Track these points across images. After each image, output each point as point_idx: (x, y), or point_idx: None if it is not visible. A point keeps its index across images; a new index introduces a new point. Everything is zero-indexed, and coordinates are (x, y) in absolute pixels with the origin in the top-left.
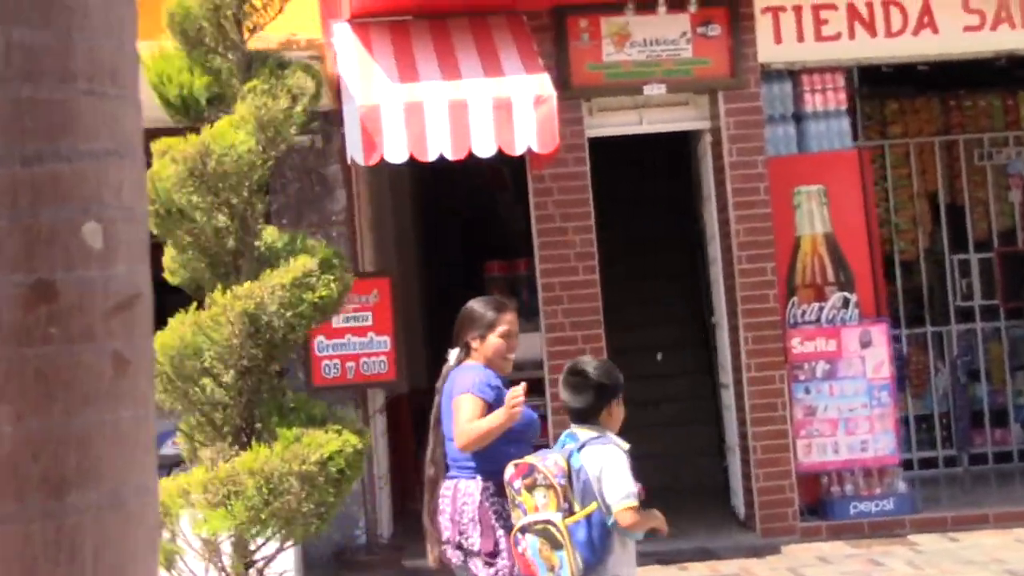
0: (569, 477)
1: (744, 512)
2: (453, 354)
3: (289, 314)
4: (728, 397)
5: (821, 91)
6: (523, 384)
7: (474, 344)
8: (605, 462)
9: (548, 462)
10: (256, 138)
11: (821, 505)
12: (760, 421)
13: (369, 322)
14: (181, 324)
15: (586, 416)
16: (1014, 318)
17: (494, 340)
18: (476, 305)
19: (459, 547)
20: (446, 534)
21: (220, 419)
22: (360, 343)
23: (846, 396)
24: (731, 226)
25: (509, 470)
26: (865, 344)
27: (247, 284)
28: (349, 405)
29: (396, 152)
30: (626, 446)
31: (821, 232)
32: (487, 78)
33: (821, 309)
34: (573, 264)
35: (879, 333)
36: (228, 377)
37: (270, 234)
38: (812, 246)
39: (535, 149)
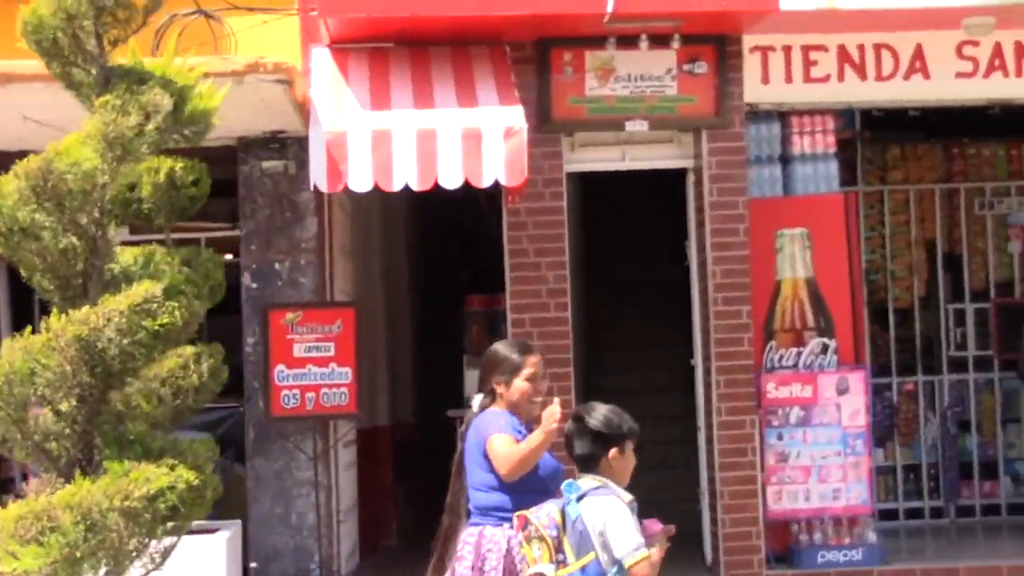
0: (564, 528)
1: (711, 558)
2: (476, 400)
3: (126, 341)
4: (701, 441)
5: (810, 133)
6: (557, 400)
7: (499, 389)
8: (608, 516)
9: (541, 514)
10: (103, 155)
11: (789, 553)
12: (729, 466)
13: (331, 352)
14: (11, 349)
15: (586, 464)
16: (1008, 370)
17: (520, 384)
18: (501, 348)
19: None
20: None
21: (55, 450)
22: (321, 373)
23: (820, 443)
24: (708, 267)
25: (513, 521)
26: (842, 391)
27: (84, 309)
28: (308, 436)
29: (360, 180)
30: (628, 497)
31: (803, 276)
32: (459, 108)
33: (799, 354)
34: (545, 300)
35: (856, 380)
36: (65, 406)
37: (128, 256)
38: (793, 290)
39: (503, 182)
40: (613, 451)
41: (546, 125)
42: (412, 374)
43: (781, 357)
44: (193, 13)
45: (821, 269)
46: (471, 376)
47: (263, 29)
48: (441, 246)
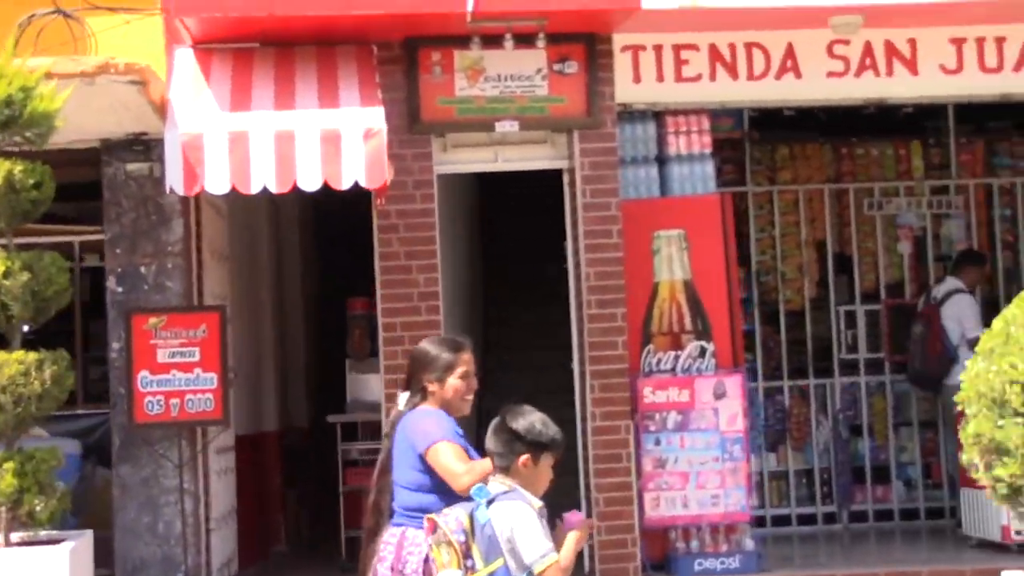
0: (472, 532)
1: (587, 566)
2: (403, 398)
3: None
4: (578, 447)
5: (685, 133)
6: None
7: (431, 388)
8: (515, 521)
9: (449, 518)
10: None
11: (667, 561)
12: (604, 472)
13: (196, 358)
14: None
15: (498, 461)
16: (899, 372)
17: (453, 382)
18: (430, 347)
19: None
20: None
21: None
22: (186, 379)
23: (697, 449)
24: (582, 269)
25: (424, 524)
26: (719, 395)
27: None
28: (175, 444)
29: (217, 183)
30: (538, 504)
31: (680, 278)
32: (320, 109)
33: (677, 358)
34: (416, 304)
35: (734, 384)
36: None
37: None
38: (670, 293)
39: (362, 184)
40: (524, 458)
41: (415, 126)
42: (306, 378)
43: (659, 360)
44: (52, 13)
45: (699, 271)
46: (354, 380)
47: (126, 30)
48: (340, 247)
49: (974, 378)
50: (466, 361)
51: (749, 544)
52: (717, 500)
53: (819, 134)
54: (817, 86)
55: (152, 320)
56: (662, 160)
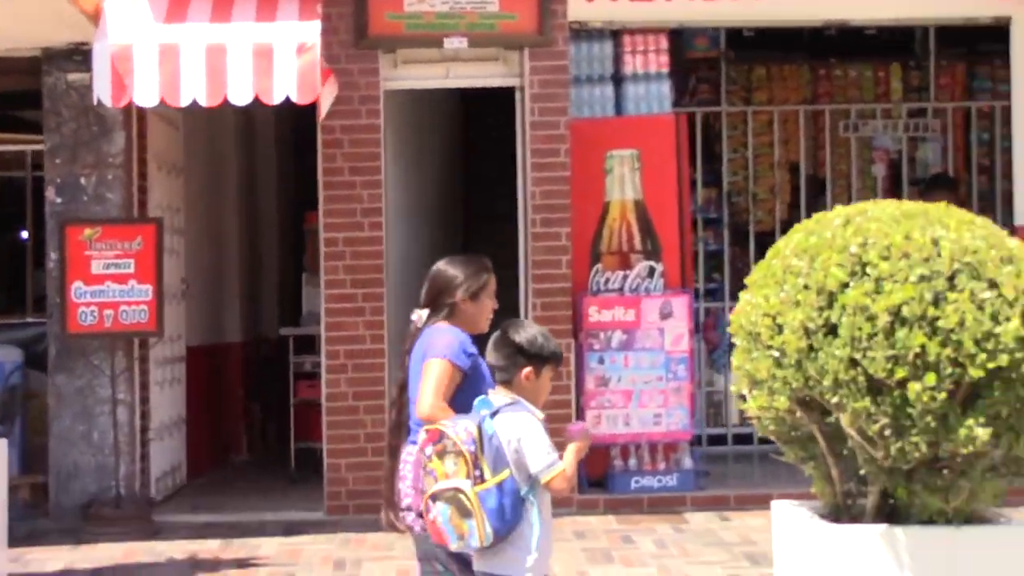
0: (480, 443)
1: None
2: (422, 315)
3: None
4: None
5: (642, 53)
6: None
7: (464, 305)
8: (522, 432)
9: (458, 428)
10: None
11: (605, 478)
12: None
13: (131, 269)
14: None
15: (500, 375)
16: None
17: (487, 300)
18: (461, 266)
19: (421, 515)
20: (407, 501)
21: None
22: (120, 291)
23: (642, 368)
24: (528, 188)
25: (421, 436)
26: (665, 316)
27: None
28: (111, 354)
29: (146, 95)
30: (541, 415)
31: (631, 198)
32: (256, 23)
33: (626, 277)
34: (359, 220)
35: (681, 305)
36: None
37: None
38: (621, 212)
39: (294, 99)
40: (527, 370)
41: (362, 41)
42: (279, 290)
43: (607, 280)
44: None
45: (651, 192)
46: (309, 293)
47: None
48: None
49: (739, 310)
50: (494, 281)
51: (688, 463)
52: (659, 419)
53: (798, 55)
54: (781, 6)
55: (87, 231)
56: (619, 79)
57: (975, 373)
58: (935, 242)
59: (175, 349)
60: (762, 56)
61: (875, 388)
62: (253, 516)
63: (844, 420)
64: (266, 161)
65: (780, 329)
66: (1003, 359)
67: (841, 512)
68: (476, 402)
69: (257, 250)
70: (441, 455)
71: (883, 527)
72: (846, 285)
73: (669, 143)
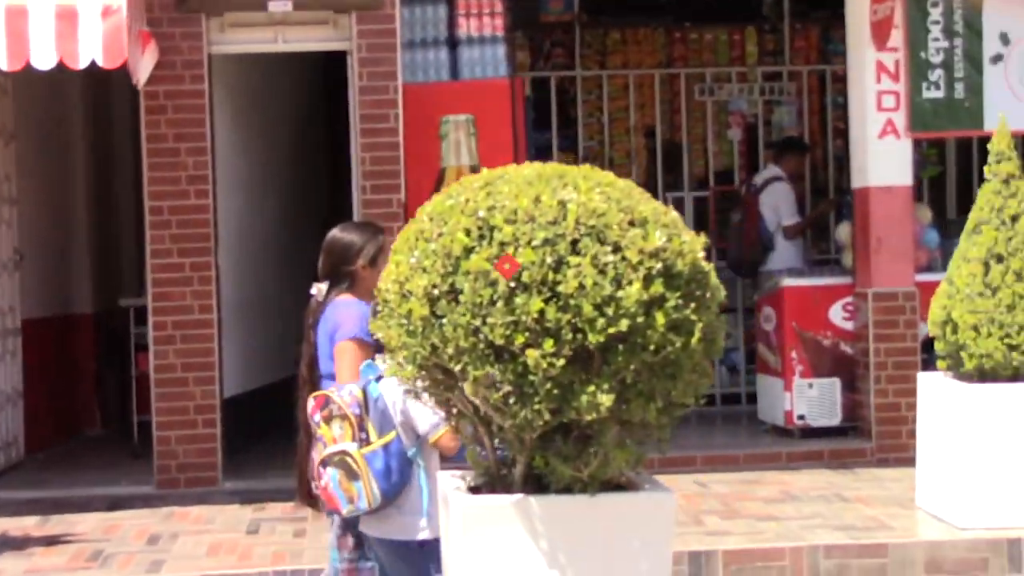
0: (366, 406)
1: None
2: (322, 288)
3: None
4: None
5: (476, 15)
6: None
7: (364, 273)
8: (407, 395)
9: (343, 392)
10: None
11: None
12: None
13: None
14: None
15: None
16: (724, 259)
17: (384, 266)
18: (355, 233)
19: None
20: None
21: None
22: None
23: None
24: (358, 153)
25: (310, 403)
26: None
27: None
28: None
29: None
30: None
31: (467, 164)
32: None
33: None
34: (184, 188)
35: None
36: None
37: None
38: (457, 178)
39: (100, 63)
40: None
41: (183, 5)
42: (138, 260)
43: None
44: None
45: (487, 157)
46: None
47: None
48: None
49: (382, 276)
50: (389, 244)
51: None
52: None
53: (653, 18)
54: None
55: None
56: (453, 43)
57: (594, 339)
58: (562, 204)
59: (7, 321)
60: (617, 20)
61: (499, 355)
62: (82, 491)
63: (467, 388)
64: (123, 129)
65: (408, 296)
66: (623, 324)
67: (496, 482)
68: (362, 367)
69: (114, 218)
70: (328, 420)
71: (518, 497)
72: (471, 250)
73: (505, 107)
